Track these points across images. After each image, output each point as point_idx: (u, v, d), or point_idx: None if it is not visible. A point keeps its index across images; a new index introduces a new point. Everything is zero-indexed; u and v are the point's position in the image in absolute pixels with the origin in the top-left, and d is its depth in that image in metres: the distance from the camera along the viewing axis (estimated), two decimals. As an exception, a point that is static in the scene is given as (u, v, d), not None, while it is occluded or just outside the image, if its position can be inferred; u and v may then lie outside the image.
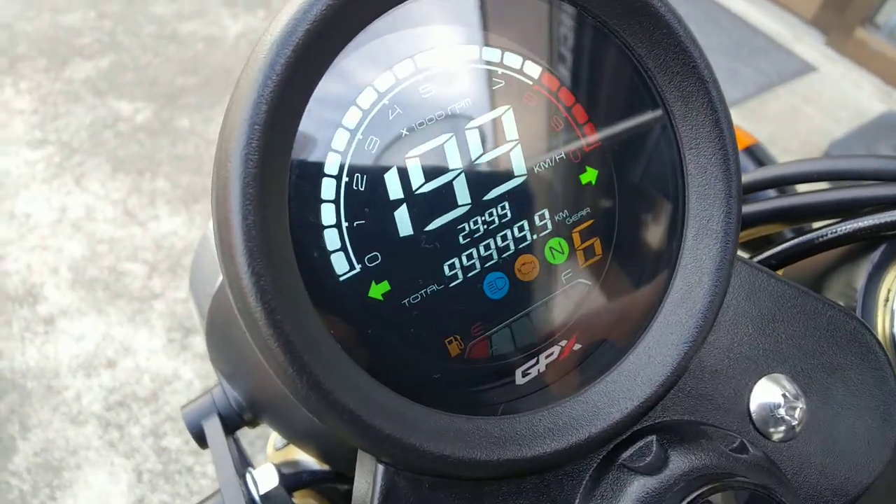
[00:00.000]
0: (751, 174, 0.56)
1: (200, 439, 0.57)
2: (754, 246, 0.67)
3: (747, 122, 2.89)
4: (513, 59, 0.33)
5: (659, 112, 0.36)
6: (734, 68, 3.12)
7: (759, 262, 0.50)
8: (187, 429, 0.58)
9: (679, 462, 0.32)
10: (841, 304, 0.45)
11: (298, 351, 0.26)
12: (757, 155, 0.80)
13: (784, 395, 0.37)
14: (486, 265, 0.33)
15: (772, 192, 0.62)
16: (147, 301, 2.11)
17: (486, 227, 0.33)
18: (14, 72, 2.82)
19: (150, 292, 2.13)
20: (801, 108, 3.03)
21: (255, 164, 0.26)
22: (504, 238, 0.33)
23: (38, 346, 1.99)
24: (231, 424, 0.60)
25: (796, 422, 0.37)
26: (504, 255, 0.33)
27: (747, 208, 0.54)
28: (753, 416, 0.37)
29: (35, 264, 2.17)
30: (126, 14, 3.16)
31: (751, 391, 0.38)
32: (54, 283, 2.13)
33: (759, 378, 0.38)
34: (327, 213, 0.29)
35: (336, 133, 0.29)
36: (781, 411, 0.37)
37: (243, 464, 0.58)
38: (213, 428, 0.57)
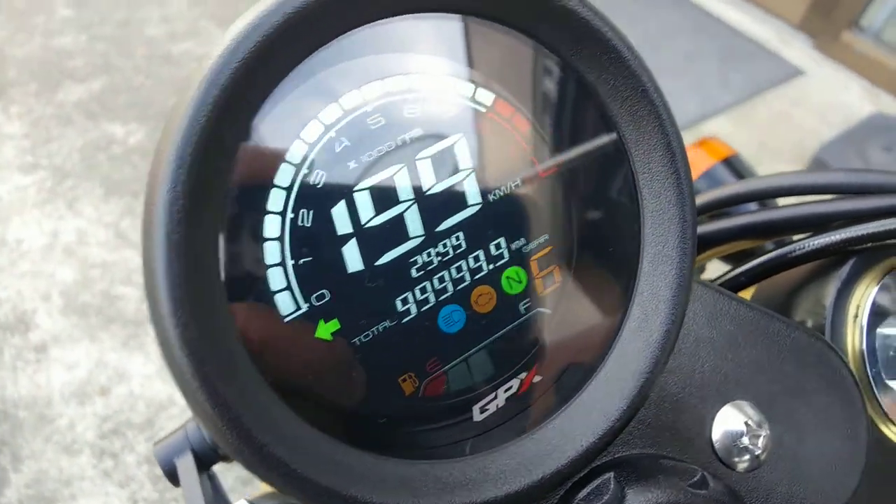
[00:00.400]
0: (723, 189, 0.55)
1: (173, 477, 0.55)
2: (735, 258, 0.67)
3: (738, 126, 2.89)
4: (465, 87, 0.32)
5: (612, 137, 0.35)
6: (724, 74, 3.13)
7: (730, 279, 0.49)
8: (160, 467, 0.56)
9: (635, 501, 0.31)
10: (811, 321, 0.44)
11: (229, 404, 0.25)
12: (735, 167, 0.79)
13: (747, 423, 0.36)
14: (441, 298, 0.32)
15: (752, 206, 0.61)
16: (141, 325, 2.09)
17: (440, 258, 0.32)
18: (4, 97, 2.82)
19: (144, 316, 2.11)
20: (790, 112, 3.03)
21: (181, 210, 0.25)
22: (459, 269, 0.33)
23: (30, 375, 1.96)
24: (206, 459, 0.58)
25: (760, 450, 0.36)
26: (459, 287, 0.33)
27: (720, 224, 0.53)
28: (716, 445, 0.36)
29: (26, 291, 2.15)
30: (119, 36, 3.17)
31: (713, 420, 0.37)
32: (46, 309, 2.11)
33: (722, 406, 0.37)
34: (271, 252, 0.28)
35: (280, 168, 0.28)
36: (745, 440, 0.36)
37: (218, 501, 0.56)
38: (186, 465, 0.55)
